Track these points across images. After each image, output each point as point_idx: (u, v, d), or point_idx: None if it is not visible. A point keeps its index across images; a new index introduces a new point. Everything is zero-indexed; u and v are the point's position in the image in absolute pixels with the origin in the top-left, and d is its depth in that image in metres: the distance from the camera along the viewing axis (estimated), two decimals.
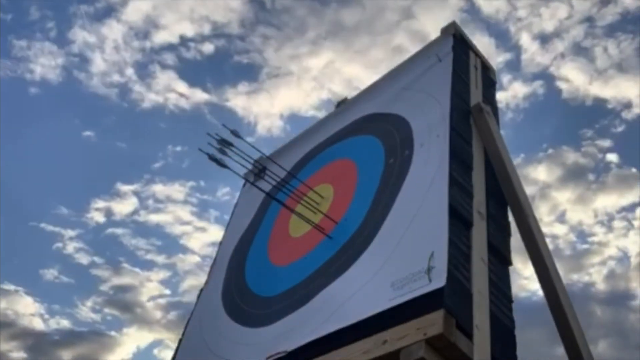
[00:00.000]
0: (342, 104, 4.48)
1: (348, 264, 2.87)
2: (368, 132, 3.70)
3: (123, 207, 9.99)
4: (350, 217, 3.17)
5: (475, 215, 2.79)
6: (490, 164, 3.17)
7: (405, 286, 2.43)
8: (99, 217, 9.96)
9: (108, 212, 9.95)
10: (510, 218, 3.10)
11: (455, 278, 2.39)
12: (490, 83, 3.78)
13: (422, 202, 2.76)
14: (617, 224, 9.45)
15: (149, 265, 10.29)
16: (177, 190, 10.12)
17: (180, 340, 3.81)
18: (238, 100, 9.78)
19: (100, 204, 9.96)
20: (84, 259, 9.97)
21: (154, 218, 10.14)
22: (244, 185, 4.82)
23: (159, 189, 10.05)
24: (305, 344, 2.69)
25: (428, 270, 2.40)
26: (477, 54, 3.80)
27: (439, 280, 2.32)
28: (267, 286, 3.44)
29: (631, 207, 9.37)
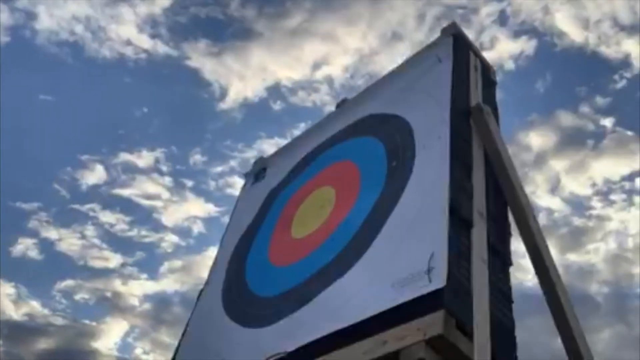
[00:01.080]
0: (342, 105, 4.48)
1: (349, 265, 2.87)
2: (369, 133, 3.70)
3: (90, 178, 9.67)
4: (351, 219, 3.17)
5: (475, 216, 2.79)
6: (490, 164, 3.18)
7: (405, 286, 2.43)
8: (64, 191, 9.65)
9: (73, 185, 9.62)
10: (510, 218, 3.11)
11: (455, 278, 2.40)
12: (490, 83, 3.78)
13: (422, 203, 2.76)
14: (617, 196, 9.07)
15: (118, 245, 10.10)
16: (145, 158, 9.83)
17: (180, 341, 3.81)
18: (205, 60, 9.40)
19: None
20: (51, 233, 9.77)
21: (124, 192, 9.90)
22: (245, 185, 4.83)
23: (126, 157, 9.74)
24: (305, 344, 2.69)
25: (428, 271, 2.40)
26: (477, 55, 3.80)
27: (439, 281, 2.33)
28: (267, 286, 3.44)
29: (631, 177, 8.95)
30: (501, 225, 3.01)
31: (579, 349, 2.72)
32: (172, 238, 10.31)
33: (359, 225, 3.08)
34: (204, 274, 4.22)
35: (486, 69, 3.83)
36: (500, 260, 2.83)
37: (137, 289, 10.43)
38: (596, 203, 9.39)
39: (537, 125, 9.25)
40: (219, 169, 10.43)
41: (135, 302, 10.44)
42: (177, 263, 10.59)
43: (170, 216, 10.36)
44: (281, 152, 4.71)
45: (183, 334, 3.84)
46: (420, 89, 3.57)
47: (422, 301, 2.33)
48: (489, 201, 2.98)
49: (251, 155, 9.61)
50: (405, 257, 2.59)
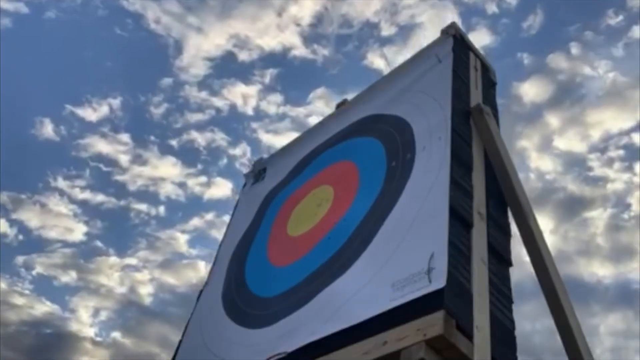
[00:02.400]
0: (342, 106, 4.49)
1: (348, 265, 2.87)
2: (369, 133, 3.70)
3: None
4: (350, 218, 3.17)
5: (475, 216, 2.79)
6: (490, 164, 3.18)
7: (405, 287, 2.43)
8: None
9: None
10: (510, 219, 3.11)
11: (455, 279, 2.40)
12: (490, 84, 3.78)
13: (422, 203, 2.76)
14: (615, 153, 8.56)
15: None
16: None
17: (180, 341, 3.82)
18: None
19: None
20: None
21: None
22: (244, 185, 4.84)
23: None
24: (305, 344, 2.69)
25: (428, 271, 2.40)
26: (477, 55, 3.81)
27: (439, 281, 2.33)
28: (267, 287, 3.44)
29: (630, 131, 8.36)
30: (501, 225, 3.01)
31: (579, 348, 2.72)
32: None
33: (357, 225, 3.08)
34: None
35: (486, 69, 3.83)
36: (500, 260, 2.83)
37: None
38: (594, 162, 8.87)
39: (530, 74, 8.65)
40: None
41: None
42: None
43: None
44: (281, 152, 4.71)
45: (183, 334, 3.84)
46: (420, 89, 3.58)
47: (422, 301, 2.33)
48: (488, 201, 2.98)
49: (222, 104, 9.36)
50: (405, 257, 2.59)
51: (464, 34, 3.80)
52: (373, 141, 3.58)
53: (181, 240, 10.40)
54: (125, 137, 9.91)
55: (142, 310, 10.42)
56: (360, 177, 3.45)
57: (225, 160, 10.38)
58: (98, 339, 10.16)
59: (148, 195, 10.18)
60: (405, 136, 3.29)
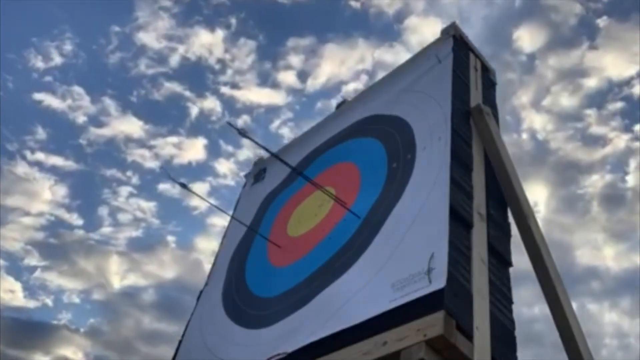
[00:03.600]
0: (342, 106, 4.49)
1: (348, 265, 2.87)
2: (369, 134, 3.70)
3: None
4: (351, 219, 3.17)
5: (475, 217, 2.80)
6: (490, 165, 3.18)
7: (405, 287, 2.43)
8: None
9: None
10: (510, 219, 3.11)
11: (455, 279, 2.40)
12: (490, 84, 3.79)
13: (422, 203, 2.76)
14: (613, 106, 7.95)
15: None
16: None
17: (180, 341, 3.81)
18: None
19: None
20: None
21: None
22: (244, 186, 4.84)
23: None
24: (305, 345, 2.69)
25: (428, 272, 2.40)
26: (477, 55, 3.81)
27: (439, 282, 2.33)
28: (267, 287, 3.44)
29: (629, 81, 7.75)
30: (501, 225, 3.01)
31: (579, 348, 2.72)
32: None
33: (358, 225, 3.08)
34: None
35: (486, 69, 3.83)
36: (500, 260, 2.83)
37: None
38: (590, 118, 8.24)
39: (524, 20, 8.05)
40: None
41: None
42: None
43: None
44: (282, 152, 4.71)
45: (183, 335, 3.84)
46: (420, 89, 3.58)
47: (422, 302, 2.33)
48: (488, 202, 2.98)
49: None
50: (405, 257, 2.59)
51: (463, 34, 3.80)
52: (374, 142, 3.58)
53: (152, 211, 10.05)
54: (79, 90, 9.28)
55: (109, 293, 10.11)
56: (361, 178, 3.45)
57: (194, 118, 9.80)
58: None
59: (112, 159, 9.66)
60: (406, 137, 3.29)
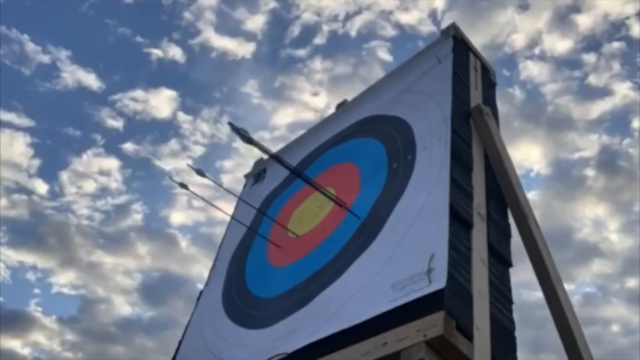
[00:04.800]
0: (342, 106, 4.48)
1: (348, 265, 2.88)
2: (370, 134, 3.70)
3: None
4: (350, 219, 3.17)
5: (475, 217, 2.80)
6: (490, 165, 3.18)
7: (405, 287, 2.43)
8: None
9: None
10: (510, 219, 3.11)
11: (455, 280, 2.40)
12: (489, 84, 3.79)
13: (423, 204, 2.76)
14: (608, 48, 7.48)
15: None
16: None
17: (180, 342, 3.81)
18: None
19: None
20: None
21: None
22: (244, 186, 4.84)
23: None
24: (305, 345, 2.69)
25: (428, 272, 2.40)
26: (477, 56, 3.81)
27: (439, 282, 2.33)
28: (267, 287, 3.44)
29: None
30: (501, 226, 3.01)
31: (579, 348, 2.72)
32: None
33: (358, 226, 3.08)
34: None
35: (486, 70, 3.83)
36: (500, 261, 2.83)
37: None
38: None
39: None
40: None
41: None
42: None
43: None
44: (282, 152, 4.70)
45: (183, 335, 3.84)
46: (420, 89, 3.58)
47: (423, 302, 2.33)
48: (488, 202, 2.98)
49: None
50: (406, 257, 2.59)
51: (463, 34, 3.80)
52: (374, 142, 3.58)
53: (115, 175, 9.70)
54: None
55: None
56: (361, 178, 3.45)
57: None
58: None
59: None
60: (406, 137, 3.30)
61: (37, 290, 10.15)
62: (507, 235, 3.02)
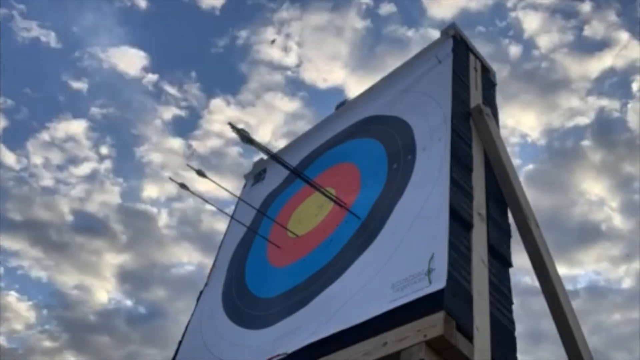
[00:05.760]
0: (342, 106, 4.49)
1: (348, 266, 2.87)
2: (370, 135, 3.70)
3: None
4: (351, 220, 3.17)
5: (475, 217, 2.80)
6: (490, 165, 3.18)
7: (405, 288, 2.43)
8: None
9: None
10: (510, 219, 3.11)
11: (455, 280, 2.40)
12: (489, 84, 3.79)
13: (423, 204, 2.76)
14: None
15: None
16: None
17: (180, 342, 3.81)
18: None
19: None
20: None
21: None
22: (244, 186, 4.84)
23: None
24: (305, 345, 2.69)
25: (428, 272, 2.40)
26: (477, 56, 3.81)
27: (439, 282, 2.33)
28: (266, 288, 3.44)
29: None
30: (501, 226, 3.01)
31: (579, 348, 2.72)
32: None
33: (358, 227, 3.08)
34: None
35: (486, 70, 3.84)
36: (500, 261, 2.83)
37: None
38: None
39: None
40: None
41: None
42: None
43: None
44: (282, 153, 4.70)
45: (183, 335, 3.84)
46: (420, 89, 3.58)
47: (423, 302, 2.33)
48: (488, 202, 2.98)
49: None
50: (405, 258, 2.59)
51: (463, 35, 3.81)
52: (374, 142, 3.58)
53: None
54: None
55: None
56: (361, 178, 3.45)
57: None
58: None
59: None
60: (406, 137, 3.30)
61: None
62: (507, 235, 3.02)
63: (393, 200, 2.97)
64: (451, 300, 2.29)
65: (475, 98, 3.43)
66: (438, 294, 2.30)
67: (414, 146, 3.18)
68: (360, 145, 3.74)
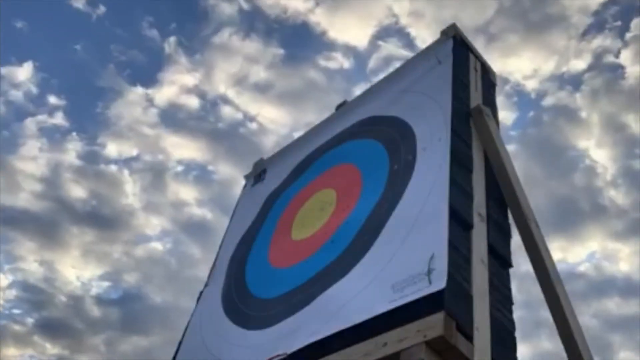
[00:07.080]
0: (341, 107, 4.49)
1: (349, 267, 2.88)
2: (370, 135, 3.71)
3: None
4: (352, 221, 3.18)
5: (475, 217, 2.80)
6: (490, 165, 3.18)
7: (405, 288, 2.44)
8: None
9: None
10: (510, 220, 3.11)
11: (455, 280, 2.40)
12: (490, 85, 3.79)
13: (423, 205, 2.76)
14: None
15: None
16: None
17: (180, 342, 3.82)
18: None
19: None
20: None
21: None
22: (245, 186, 4.84)
23: None
24: (305, 346, 2.69)
25: (428, 273, 2.40)
26: (477, 56, 3.81)
27: (439, 283, 2.33)
28: (267, 288, 3.44)
29: None
30: (501, 226, 3.01)
31: (579, 348, 2.72)
32: None
33: (359, 228, 3.08)
34: None
35: (486, 70, 3.84)
36: (500, 261, 2.84)
37: None
38: None
39: None
40: None
41: None
42: None
43: None
44: (281, 153, 4.71)
45: (183, 335, 3.84)
46: (420, 90, 3.58)
47: (423, 303, 2.34)
48: (489, 203, 2.98)
49: None
50: (406, 258, 2.59)
51: (463, 35, 3.81)
52: (374, 143, 3.58)
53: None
54: None
55: None
56: (362, 179, 3.45)
57: None
58: None
59: None
60: (407, 138, 3.30)
61: None
62: (507, 235, 3.02)
63: (394, 202, 2.98)
64: (451, 300, 2.30)
65: (475, 98, 3.43)
66: (438, 295, 2.30)
67: (414, 146, 3.18)
68: (360, 146, 3.74)
